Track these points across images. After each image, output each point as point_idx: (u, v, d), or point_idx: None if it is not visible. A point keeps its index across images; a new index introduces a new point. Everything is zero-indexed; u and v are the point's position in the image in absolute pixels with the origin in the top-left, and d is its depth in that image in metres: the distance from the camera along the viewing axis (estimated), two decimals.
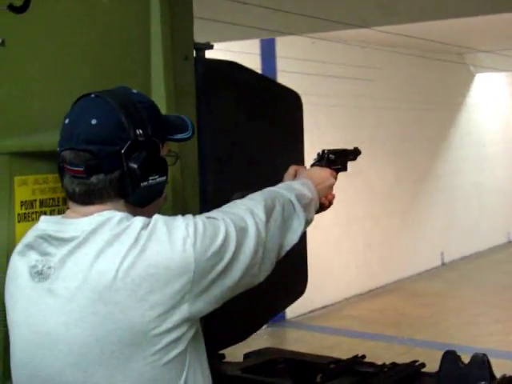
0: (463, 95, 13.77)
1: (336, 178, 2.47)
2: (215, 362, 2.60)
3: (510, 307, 9.94)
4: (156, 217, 1.85)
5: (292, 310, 9.61)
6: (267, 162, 2.80)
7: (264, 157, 2.79)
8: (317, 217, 2.34)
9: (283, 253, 2.13)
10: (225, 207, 2.07)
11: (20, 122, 2.01)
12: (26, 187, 2.04)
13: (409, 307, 10.23)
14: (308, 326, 9.53)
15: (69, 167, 1.86)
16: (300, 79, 9.67)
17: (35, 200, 2.07)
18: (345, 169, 2.58)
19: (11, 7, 1.97)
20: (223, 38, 7.90)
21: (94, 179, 1.85)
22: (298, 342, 8.91)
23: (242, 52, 8.71)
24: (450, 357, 2.52)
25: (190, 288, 1.80)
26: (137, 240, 1.78)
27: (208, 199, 2.55)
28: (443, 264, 12.86)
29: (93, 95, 1.91)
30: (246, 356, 2.91)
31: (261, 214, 2.01)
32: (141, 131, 1.88)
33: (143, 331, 1.76)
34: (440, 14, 6.97)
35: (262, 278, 2.02)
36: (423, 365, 2.82)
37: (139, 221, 1.82)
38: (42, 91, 2.06)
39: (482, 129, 14.44)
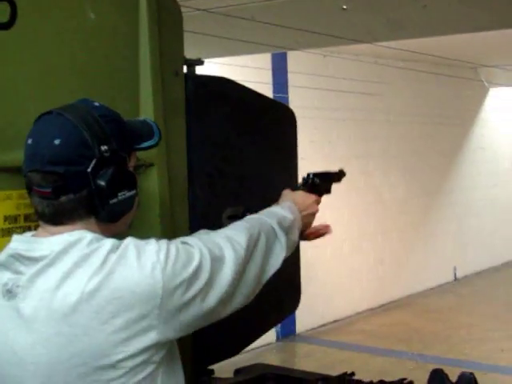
0: (476, 110, 13.72)
1: (319, 203, 2.49)
2: (205, 377, 2.59)
3: None
4: (127, 240, 1.83)
5: (302, 324, 9.59)
6: (258, 177, 2.80)
7: (255, 172, 2.79)
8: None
9: (265, 280, 2.11)
10: (205, 234, 2.06)
11: (6, 136, 2.02)
12: (10, 202, 2.05)
13: (420, 322, 10.16)
14: (318, 340, 9.48)
15: (36, 188, 1.84)
16: (311, 94, 9.69)
17: (19, 215, 2.07)
18: (328, 192, 2.58)
19: None
20: (233, 53, 7.93)
21: (62, 199, 1.83)
22: (308, 356, 8.87)
23: (253, 67, 8.74)
24: (438, 375, 2.50)
25: (157, 314, 1.78)
26: (104, 262, 1.76)
27: (198, 214, 2.55)
28: (456, 279, 12.78)
29: (54, 113, 1.87)
30: (237, 372, 2.90)
31: (242, 244, 2.00)
32: (106, 147, 1.85)
33: (107, 355, 1.75)
34: (448, 30, 6.96)
35: (241, 305, 2.01)
36: (411, 382, 2.80)
37: (108, 243, 1.80)
38: (29, 106, 2.06)
39: (495, 144, 14.37)
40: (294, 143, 3.02)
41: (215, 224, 2.57)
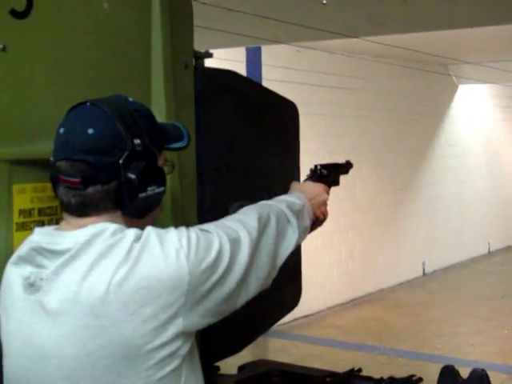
0: (446, 106, 13.82)
1: (329, 193, 2.48)
2: (210, 374, 2.57)
3: (492, 318, 9.95)
4: (148, 229, 1.81)
5: None
6: (264, 171, 2.78)
7: (260, 166, 2.78)
8: None
9: (280, 263, 2.10)
10: (218, 221, 2.04)
11: (21, 129, 1.98)
12: (24, 195, 2.00)
13: (391, 317, 10.22)
14: (290, 335, 9.49)
15: (64, 178, 1.81)
16: (285, 87, 9.65)
17: (33, 209, 2.03)
18: (337, 183, 2.59)
19: (13, 12, 1.93)
20: (209, 45, 7.87)
21: (90, 190, 1.80)
22: (281, 351, 8.87)
23: (227, 59, 8.70)
24: (449, 372, 2.50)
25: (184, 301, 1.76)
26: (129, 252, 1.74)
27: (206, 209, 2.52)
28: (424, 274, 12.88)
29: (88, 104, 1.86)
30: (241, 368, 2.88)
31: (254, 225, 2.00)
32: (138, 141, 1.84)
33: (136, 346, 1.72)
34: (428, 26, 6.99)
35: (258, 289, 1.99)
36: (420, 379, 2.80)
37: (132, 233, 1.78)
38: (43, 98, 2.03)
39: (464, 140, 14.50)
40: (297, 136, 3.02)
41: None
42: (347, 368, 2.96)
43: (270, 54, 9.41)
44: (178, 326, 1.76)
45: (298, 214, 2.20)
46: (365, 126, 11.29)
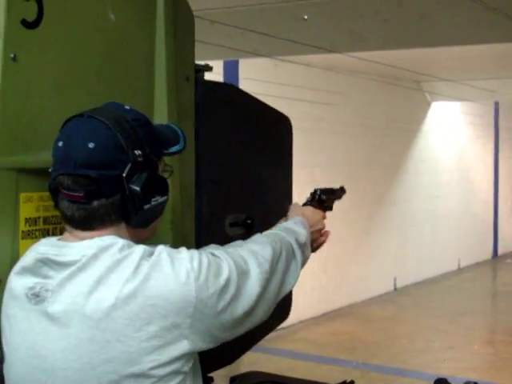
0: (419, 122, 13.93)
1: (325, 218, 2.53)
2: None
3: (463, 334, 10.03)
4: (160, 248, 1.81)
5: None
6: (258, 184, 2.80)
7: (255, 179, 2.80)
8: None
9: (281, 296, 2.13)
10: (229, 247, 2.05)
11: (29, 137, 1.98)
12: (30, 204, 2.01)
13: (363, 331, 10.25)
14: (263, 348, 9.46)
15: (67, 192, 1.80)
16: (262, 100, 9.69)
17: (39, 217, 2.04)
18: (330, 209, 2.63)
19: (24, 22, 1.94)
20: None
21: (94, 204, 1.80)
22: (254, 364, 8.81)
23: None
24: None
25: (189, 323, 1.77)
26: (137, 268, 1.74)
27: (203, 221, 2.53)
28: (396, 289, 12.94)
29: (86, 116, 1.84)
30: (233, 379, 2.88)
31: (267, 258, 2.01)
32: (139, 151, 1.83)
33: (139, 362, 1.73)
34: (407, 44, 7.06)
35: (260, 321, 2.01)
36: None
37: (139, 249, 1.78)
38: (50, 107, 2.03)
39: (437, 156, 14.61)
40: (290, 151, 3.04)
41: (219, 231, 2.58)
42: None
43: (248, 67, 9.45)
44: (183, 347, 1.77)
45: (302, 246, 2.23)
46: (340, 140, 11.35)
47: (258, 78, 9.72)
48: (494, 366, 8.62)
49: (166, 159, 2.02)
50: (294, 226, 2.27)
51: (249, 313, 1.92)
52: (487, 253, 16.95)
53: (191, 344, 1.79)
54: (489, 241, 17.12)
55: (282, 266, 2.09)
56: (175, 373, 1.78)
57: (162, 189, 1.90)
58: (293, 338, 10.01)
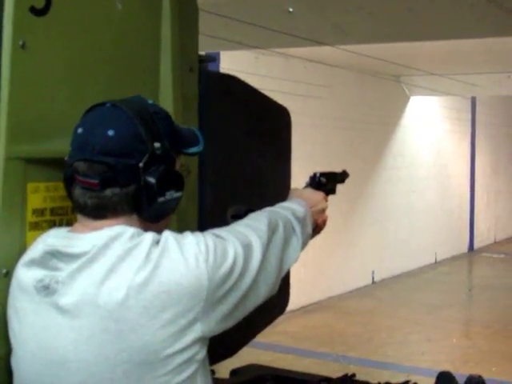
0: (398, 117, 13.98)
1: (327, 200, 2.50)
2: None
3: (441, 326, 10.09)
4: (166, 233, 1.80)
5: None
6: (259, 175, 2.80)
7: (256, 170, 2.79)
8: None
9: (285, 269, 2.12)
10: (230, 226, 2.04)
11: (37, 127, 1.95)
12: (37, 194, 1.98)
13: (341, 324, 10.28)
14: None
15: (81, 179, 1.79)
16: None
17: (46, 208, 2.00)
18: (333, 192, 2.61)
19: (33, 9, 1.91)
20: None
21: (108, 192, 1.79)
22: (234, 356, 8.85)
23: None
24: (445, 378, 2.53)
25: (202, 306, 1.76)
26: (148, 256, 1.73)
27: (206, 213, 2.52)
28: (374, 282, 13.00)
29: (109, 104, 1.84)
30: (233, 372, 2.87)
31: (264, 230, 2.00)
32: (158, 144, 1.83)
33: (155, 351, 1.71)
34: (391, 37, 7.08)
35: (266, 295, 2.00)
36: None
37: (149, 236, 1.77)
38: (59, 96, 2.00)
39: (415, 151, 14.67)
40: (289, 143, 3.04)
41: (221, 222, 2.56)
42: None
43: (229, 59, 9.42)
44: (196, 331, 1.76)
45: (301, 221, 2.21)
46: (319, 134, 11.36)
47: (239, 70, 9.69)
48: (472, 358, 8.68)
49: (184, 159, 2.02)
50: (290, 204, 2.27)
51: (253, 286, 1.90)
52: (463, 247, 17.07)
53: (204, 327, 1.78)
54: (465, 235, 17.24)
55: (280, 237, 2.07)
56: (189, 361, 1.77)
57: (178, 184, 1.89)
58: (273, 330, 9.98)
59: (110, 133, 1.78)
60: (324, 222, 2.46)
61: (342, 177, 2.67)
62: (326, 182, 2.52)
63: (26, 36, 1.90)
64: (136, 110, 1.83)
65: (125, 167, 1.78)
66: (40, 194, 1.99)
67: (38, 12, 1.93)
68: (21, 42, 1.89)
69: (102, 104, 1.85)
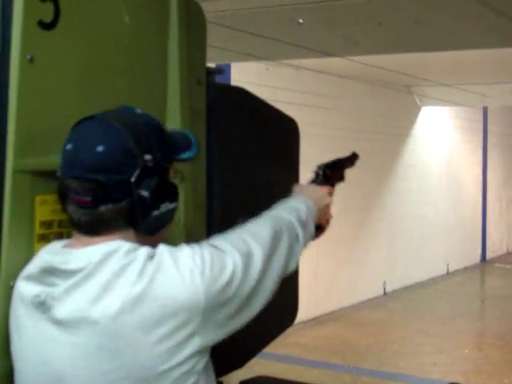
0: (409, 127, 13.95)
1: (332, 194, 2.43)
2: None
3: (453, 338, 10.05)
4: (161, 248, 1.78)
5: None
6: (268, 187, 2.79)
7: (265, 182, 2.79)
8: None
9: (283, 276, 2.07)
10: (230, 233, 2.00)
11: (44, 140, 1.96)
12: (45, 207, 1.98)
13: (353, 336, 10.24)
14: None
15: (74, 196, 1.78)
16: None
17: (54, 220, 2.01)
18: (342, 179, 2.51)
19: (41, 23, 1.93)
20: None
21: (101, 209, 1.76)
22: (244, 368, 8.82)
23: None
24: None
25: (199, 320, 1.74)
26: (142, 271, 1.71)
27: (215, 226, 2.52)
28: (385, 294, 12.95)
29: (96, 118, 1.81)
30: None
31: (267, 239, 1.97)
32: (149, 156, 1.79)
33: (151, 366, 1.70)
34: (402, 48, 7.08)
35: (262, 304, 1.95)
36: None
37: (143, 251, 1.75)
38: (67, 109, 2.01)
39: (426, 161, 14.64)
40: (297, 153, 3.04)
41: None
42: None
43: (240, 71, 9.45)
44: (194, 344, 1.75)
45: (304, 224, 2.16)
46: (330, 144, 11.34)
47: (250, 81, 9.72)
48: (484, 370, 8.63)
49: (179, 164, 2.00)
50: (295, 204, 2.22)
51: (251, 296, 1.87)
52: (475, 257, 17.01)
53: (202, 339, 1.76)
54: (477, 245, 17.18)
55: (285, 246, 2.04)
56: (189, 373, 1.75)
57: (172, 195, 1.86)
58: (284, 342, 9.96)
59: (99, 148, 1.75)
60: (328, 222, 2.39)
61: (351, 160, 2.56)
62: (331, 174, 2.42)
63: (34, 50, 1.92)
64: (125, 122, 1.80)
65: (116, 183, 1.76)
66: (48, 207, 1.99)
67: (46, 26, 1.94)
68: (29, 56, 1.90)
69: (90, 118, 1.82)
